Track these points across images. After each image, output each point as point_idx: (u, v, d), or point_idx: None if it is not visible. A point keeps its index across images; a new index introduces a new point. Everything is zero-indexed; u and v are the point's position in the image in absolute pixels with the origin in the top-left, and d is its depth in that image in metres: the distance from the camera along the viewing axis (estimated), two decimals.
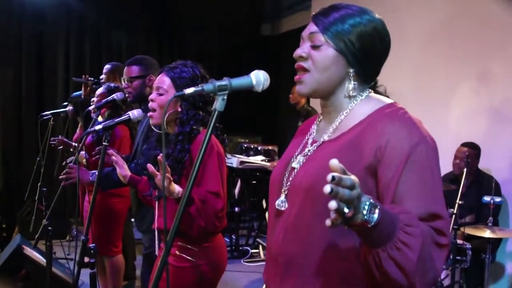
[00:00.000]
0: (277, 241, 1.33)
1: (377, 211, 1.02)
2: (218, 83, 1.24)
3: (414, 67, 5.12)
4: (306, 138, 1.43)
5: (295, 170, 1.34)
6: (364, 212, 1.00)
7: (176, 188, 1.96)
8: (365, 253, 1.12)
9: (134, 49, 6.78)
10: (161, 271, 1.21)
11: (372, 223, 1.01)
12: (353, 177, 0.96)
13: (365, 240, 1.09)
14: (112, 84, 3.67)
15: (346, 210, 0.95)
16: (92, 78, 4.34)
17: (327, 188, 0.92)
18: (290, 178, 1.35)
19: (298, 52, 1.32)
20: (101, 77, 4.18)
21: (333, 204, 0.93)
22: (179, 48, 7.51)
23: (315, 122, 1.46)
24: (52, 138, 4.29)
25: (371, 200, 1.01)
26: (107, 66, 4.16)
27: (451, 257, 3.48)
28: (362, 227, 1.03)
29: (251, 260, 5.50)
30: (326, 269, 1.23)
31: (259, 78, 1.31)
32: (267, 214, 6.09)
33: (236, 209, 5.87)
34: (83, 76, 4.39)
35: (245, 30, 8.02)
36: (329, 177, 0.92)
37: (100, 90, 3.62)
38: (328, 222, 0.97)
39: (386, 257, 1.07)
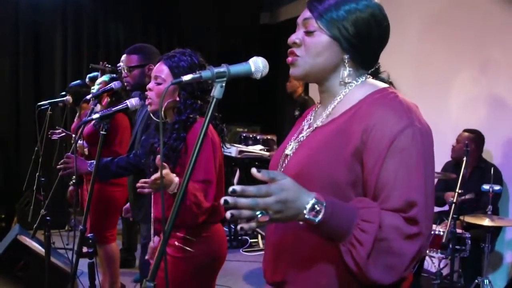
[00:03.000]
0: (270, 230, 1.35)
1: (322, 211, 1.08)
2: (216, 69, 1.21)
3: (414, 55, 5.09)
4: (303, 124, 1.42)
5: (288, 157, 1.35)
6: (305, 211, 1.07)
7: (175, 179, 1.94)
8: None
9: (132, 37, 6.73)
10: (159, 262, 1.19)
11: (316, 222, 1.08)
12: (274, 185, 1.04)
13: (320, 235, 1.16)
14: (114, 74, 3.65)
15: (259, 215, 1.03)
16: (109, 65, 4.29)
17: (221, 201, 1.01)
18: (284, 165, 1.35)
19: (292, 38, 1.31)
20: (119, 65, 4.13)
21: (227, 215, 1.02)
22: (177, 38, 7.46)
23: (313, 109, 1.45)
24: (51, 131, 4.26)
25: (314, 200, 1.07)
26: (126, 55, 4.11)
27: (450, 246, 3.48)
28: (309, 225, 1.10)
29: (250, 249, 5.51)
30: (315, 257, 1.24)
31: (257, 65, 1.28)
32: None
33: None
34: (101, 62, 4.34)
35: (244, 18, 7.96)
36: (230, 189, 1.01)
37: (101, 79, 3.60)
38: (238, 227, 1.06)
39: (345, 250, 1.13)
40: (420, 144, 1.17)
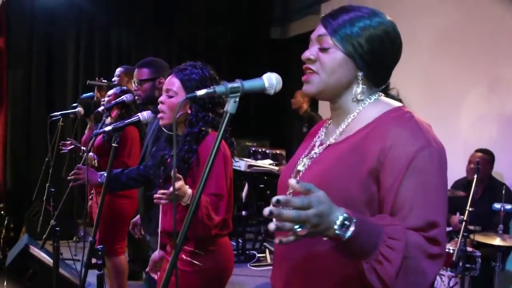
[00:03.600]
0: (281, 246, 1.32)
1: (352, 226, 1.04)
2: (230, 85, 1.22)
3: (424, 73, 5.09)
4: (314, 141, 1.42)
5: (301, 173, 1.34)
6: (336, 227, 1.03)
7: (188, 191, 1.94)
8: (354, 261, 1.14)
9: (144, 50, 6.80)
10: (170, 275, 1.19)
11: (345, 238, 1.04)
12: (312, 196, 0.99)
13: (346, 251, 1.12)
14: (125, 87, 3.68)
15: (298, 229, 0.99)
16: (106, 80, 4.34)
17: (265, 211, 0.95)
18: None
19: (306, 54, 1.31)
20: (113, 79, 4.19)
21: (270, 226, 0.97)
22: (188, 49, 7.52)
23: (324, 125, 1.45)
24: (61, 142, 4.29)
25: (345, 215, 1.03)
26: (119, 69, 4.16)
27: (460, 264, 3.44)
28: (337, 241, 1.06)
29: (258, 264, 5.48)
30: (329, 275, 1.22)
31: (271, 80, 1.29)
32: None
33: (243, 212, 5.84)
34: (97, 78, 4.39)
35: (255, 33, 8.02)
36: (273, 199, 0.96)
37: (111, 92, 3.63)
38: (276, 240, 1.01)
39: (368, 268, 1.09)
40: (438, 164, 1.18)
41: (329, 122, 1.42)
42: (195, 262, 2.10)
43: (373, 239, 1.07)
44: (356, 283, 1.18)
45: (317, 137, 1.42)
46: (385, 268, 1.07)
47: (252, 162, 5.89)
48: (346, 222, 1.03)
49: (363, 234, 1.06)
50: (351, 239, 1.04)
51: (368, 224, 1.08)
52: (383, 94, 1.34)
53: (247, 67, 7.50)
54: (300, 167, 1.35)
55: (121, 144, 3.41)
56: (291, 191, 1.33)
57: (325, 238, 1.06)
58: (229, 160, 2.16)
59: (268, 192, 6.25)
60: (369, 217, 1.16)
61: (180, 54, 7.45)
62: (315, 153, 1.35)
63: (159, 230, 2.27)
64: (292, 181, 0.99)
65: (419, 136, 1.19)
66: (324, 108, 5.96)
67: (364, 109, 1.30)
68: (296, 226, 0.98)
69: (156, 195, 1.95)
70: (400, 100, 1.36)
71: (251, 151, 6.42)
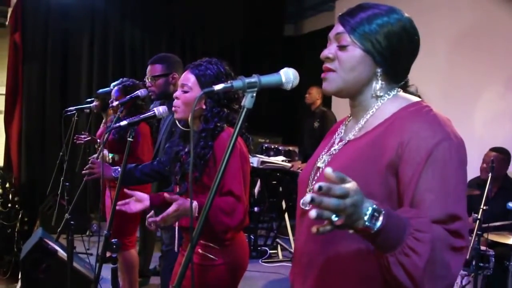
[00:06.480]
0: (300, 241, 1.34)
1: (381, 217, 1.01)
2: (248, 80, 1.22)
3: (440, 71, 5.05)
4: (334, 138, 1.42)
5: (320, 170, 1.34)
6: (365, 218, 0.99)
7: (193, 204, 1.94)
8: (377, 256, 1.12)
9: (157, 48, 6.84)
10: (186, 269, 1.20)
11: (375, 229, 1.01)
12: (348, 185, 0.96)
13: (372, 244, 1.09)
14: (128, 82, 3.66)
15: (334, 218, 0.95)
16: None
17: (307, 198, 0.93)
18: (316, 178, 1.35)
19: (325, 53, 1.31)
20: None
21: (312, 214, 0.93)
22: (201, 47, 7.53)
23: (344, 122, 1.45)
24: (76, 136, 4.32)
25: (374, 206, 1.00)
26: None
27: (473, 263, 3.42)
28: (365, 233, 1.02)
29: (270, 260, 5.47)
30: (346, 269, 1.22)
31: (288, 76, 1.29)
32: (286, 215, 6.10)
33: (256, 209, 5.85)
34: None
35: (268, 30, 8.01)
36: (316, 186, 0.93)
37: (115, 92, 3.61)
38: (313, 229, 0.97)
39: (394, 261, 1.06)
40: (457, 157, 1.17)
41: (349, 119, 1.43)
42: (210, 256, 2.10)
43: (400, 232, 1.05)
44: (375, 280, 1.18)
45: (336, 134, 1.42)
46: (413, 260, 1.04)
47: (264, 158, 5.89)
48: (375, 213, 1.00)
49: (391, 226, 1.03)
50: (380, 231, 1.01)
51: (395, 216, 1.06)
52: (401, 90, 1.34)
53: (261, 64, 7.51)
54: (319, 164, 1.36)
55: (134, 140, 3.43)
56: (311, 187, 1.34)
57: (351, 231, 1.02)
58: (246, 157, 2.15)
59: (280, 188, 6.25)
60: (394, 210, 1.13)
61: (193, 51, 7.47)
62: (334, 149, 1.35)
63: (175, 226, 2.28)
64: (328, 170, 0.96)
65: (438, 129, 1.18)
66: (337, 105, 5.94)
67: (383, 105, 1.30)
68: (333, 216, 0.95)
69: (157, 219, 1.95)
70: (419, 97, 1.36)
71: (264, 148, 6.43)
